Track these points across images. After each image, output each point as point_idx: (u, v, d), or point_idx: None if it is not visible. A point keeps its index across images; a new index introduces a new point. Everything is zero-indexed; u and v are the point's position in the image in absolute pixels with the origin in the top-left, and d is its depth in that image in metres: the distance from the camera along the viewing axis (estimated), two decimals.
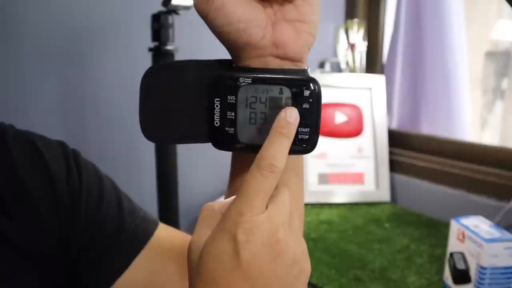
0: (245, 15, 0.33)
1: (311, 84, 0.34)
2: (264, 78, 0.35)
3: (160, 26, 0.87)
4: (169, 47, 0.88)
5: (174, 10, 0.87)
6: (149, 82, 0.37)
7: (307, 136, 0.35)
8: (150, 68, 0.38)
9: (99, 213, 0.48)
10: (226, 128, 0.35)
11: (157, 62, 0.89)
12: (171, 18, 0.88)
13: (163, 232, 0.52)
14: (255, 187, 0.32)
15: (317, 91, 0.35)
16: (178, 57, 0.90)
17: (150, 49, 0.89)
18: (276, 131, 0.33)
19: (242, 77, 0.34)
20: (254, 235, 0.31)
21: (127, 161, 1.12)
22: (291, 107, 0.34)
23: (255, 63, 0.35)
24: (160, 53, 0.88)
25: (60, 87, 1.02)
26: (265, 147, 0.33)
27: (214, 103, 0.35)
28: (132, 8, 1.06)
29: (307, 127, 0.35)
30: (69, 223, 0.46)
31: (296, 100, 0.34)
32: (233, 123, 0.35)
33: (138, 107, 0.37)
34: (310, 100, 0.34)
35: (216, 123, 0.35)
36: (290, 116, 0.33)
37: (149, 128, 0.38)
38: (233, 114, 0.35)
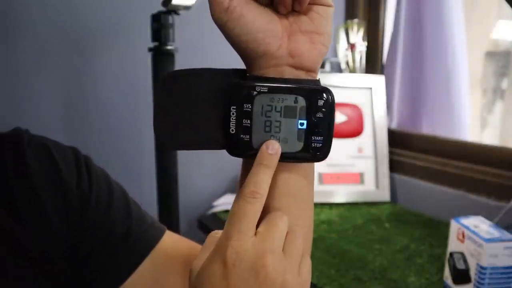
0: (264, 25, 0.34)
1: (325, 94, 0.36)
2: (280, 87, 0.35)
3: (160, 26, 0.87)
4: (169, 47, 0.88)
5: (174, 10, 0.87)
6: (164, 88, 0.38)
7: (320, 145, 0.36)
8: (165, 75, 0.38)
9: (107, 218, 0.49)
10: (241, 136, 0.36)
11: (157, 62, 0.89)
12: (171, 18, 0.88)
13: (170, 239, 0.53)
14: (240, 212, 0.34)
15: (330, 101, 0.36)
16: (178, 57, 0.90)
17: (150, 49, 0.89)
18: (257, 163, 0.35)
19: (258, 86, 0.35)
20: (240, 259, 0.33)
21: (127, 161, 1.12)
22: (272, 141, 0.36)
23: (271, 72, 0.36)
24: (160, 53, 0.88)
25: (60, 87, 1.02)
26: (248, 177, 0.35)
27: (231, 111, 0.36)
28: (132, 8, 1.06)
29: (320, 136, 0.36)
30: (78, 227, 0.47)
31: (310, 110, 0.36)
32: (249, 130, 0.36)
33: (153, 113, 0.38)
34: (324, 109, 0.36)
35: (232, 130, 0.36)
36: (272, 149, 0.35)
37: (163, 134, 0.38)
38: (248, 122, 0.36)
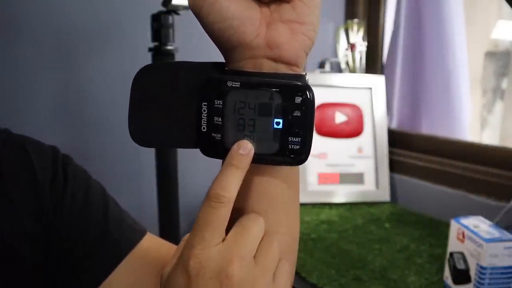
0: (239, 12, 0.32)
1: (303, 91, 0.32)
2: (254, 82, 0.33)
3: (160, 26, 0.87)
4: (169, 47, 0.88)
5: (174, 10, 0.87)
6: (140, 82, 0.36)
7: (297, 147, 0.33)
8: (141, 69, 0.36)
9: (82, 219, 0.48)
10: (213, 134, 0.33)
11: (157, 62, 0.89)
12: (171, 18, 0.88)
13: (149, 242, 0.51)
14: (204, 218, 0.31)
15: (310, 98, 0.32)
16: (178, 57, 0.90)
17: (150, 49, 0.89)
18: (227, 163, 0.33)
19: (230, 80, 0.33)
20: (203, 268, 0.31)
21: (127, 162, 1.12)
22: (245, 140, 0.33)
23: (248, 65, 0.33)
24: (160, 53, 0.88)
25: (60, 87, 1.02)
26: (216, 179, 0.33)
27: (202, 107, 0.33)
28: (132, 8, 1.06)
29: (298, 137, 0.33)
30: (51, 227, 0.46)
31: (287, 107, 0.32)
32: (220, 129, 0.33)
33: (128, 108, 0.36)
34: (303, 108, 0.32)
35: (203, 128, 0.33)
36: (244, 149, 0.33)
37: (136, 130, 0.36)
38: (220, 119, 0.33)
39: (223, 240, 0.32)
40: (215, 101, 0.33)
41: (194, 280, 0.30)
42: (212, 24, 0.32)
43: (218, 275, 0.30)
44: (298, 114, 0.33)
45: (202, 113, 0.33)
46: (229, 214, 0.32)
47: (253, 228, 0.33)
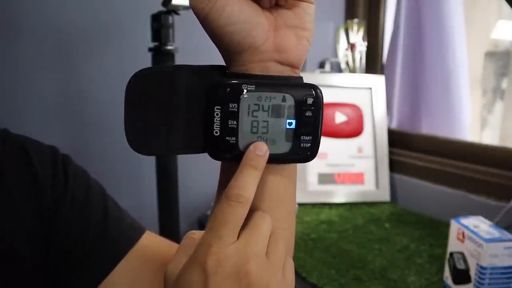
0: (250, 16, 0.32)
1: (315, 92, 0.34)
2: (268, 85, 0.34)
3: (160, 26, 0.87)
4: (169, 47, 0.88)
5: (174, 10, 0.87)
6: (135, 87, 0.34)
7: (309, 145, 0.35)
8: (137, 73, 0.35)
9: (81, 219, 0.48)
10: (227, 138, 0.34)
11: (157, 62, 0.89)
12: (171, 18, 0.88)
13: (148, 240, 0.51)
14: (222, 217, 0.32)
15: (320, 98, 0.34)
16: (178, 57, 0.90)
17: (150, 49, 0.89)
18: (244, 163, 0.33)
19: (245, 83, 0.33)
20: (222, 267, 0.31)
21: (127, 162, 1.12)
22: (260, 142, 0.34)
23: (255, 68, 0.34)
24: (160, 53, 0.88)
25: (60, 87, 1.02)
26: (234, 178, 0.33)
27: (214, 111, 0.33)
28: (132, 8, 1.06)
29: (309, 135, 0.35)
30: (51, 227, 0.46)
31: (299, 108, 0.34)
32: (235, 132, 0.34)
33: (124, 114, 0.35)
34: (313, 108, 0.34)
35: (216, 132, 0.34)
36: (260, 150, 0.34)
37: (135, 138, 0.35)
38: (235, 122, 0.34)
39: (238, 237, 0.33)
40: (230, 104, 0.33)
41: (212, 278, 0.31)
42: (221, 27, 0.32)
43: (237, 272, 0.31)
44: (310, 114, 0.34)
45: (214, 117, 0.33)
46: (246, 214, 0.33)
47: (263, 226, 0.34)
